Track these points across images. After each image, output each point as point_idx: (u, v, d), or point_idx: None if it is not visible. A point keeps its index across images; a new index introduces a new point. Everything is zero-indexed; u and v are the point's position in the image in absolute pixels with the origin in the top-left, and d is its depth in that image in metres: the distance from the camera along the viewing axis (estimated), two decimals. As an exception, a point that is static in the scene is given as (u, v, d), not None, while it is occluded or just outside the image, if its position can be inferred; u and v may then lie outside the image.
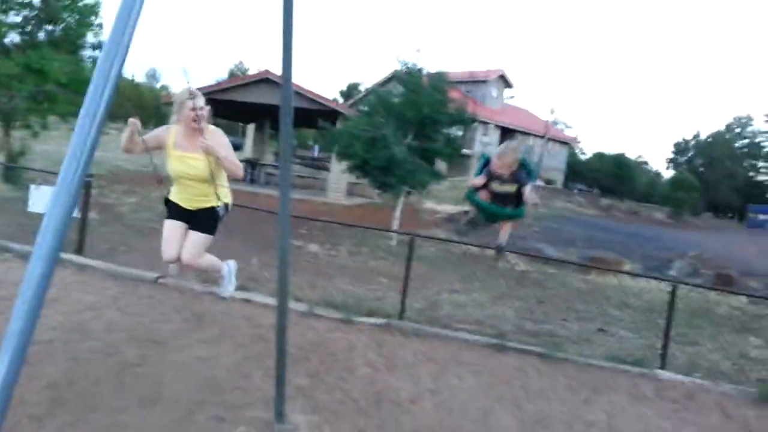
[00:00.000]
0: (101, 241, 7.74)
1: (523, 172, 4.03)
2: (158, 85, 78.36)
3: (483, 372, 4.96)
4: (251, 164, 21.57)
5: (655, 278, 10.09)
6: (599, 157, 58.77)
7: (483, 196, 4.16)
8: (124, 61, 1.52)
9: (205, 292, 6.11)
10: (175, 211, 3.74)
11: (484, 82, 43.49)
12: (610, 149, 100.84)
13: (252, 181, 20.38)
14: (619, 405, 4.62)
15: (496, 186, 4.03)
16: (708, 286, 11.42)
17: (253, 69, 71.52)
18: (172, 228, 3.72)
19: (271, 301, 6.01)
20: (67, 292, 5.46)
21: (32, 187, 7.14)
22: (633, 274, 11.33)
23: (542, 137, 46.93)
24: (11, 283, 5.52)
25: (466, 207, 20.92)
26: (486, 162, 4.12)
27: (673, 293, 5.92)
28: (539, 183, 39.48)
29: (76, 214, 6.90)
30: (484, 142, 41.19)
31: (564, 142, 52.67)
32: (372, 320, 5.88)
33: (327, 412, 3.77)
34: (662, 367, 5.68)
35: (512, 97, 51.92)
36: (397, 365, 4.83)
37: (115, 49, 1.52)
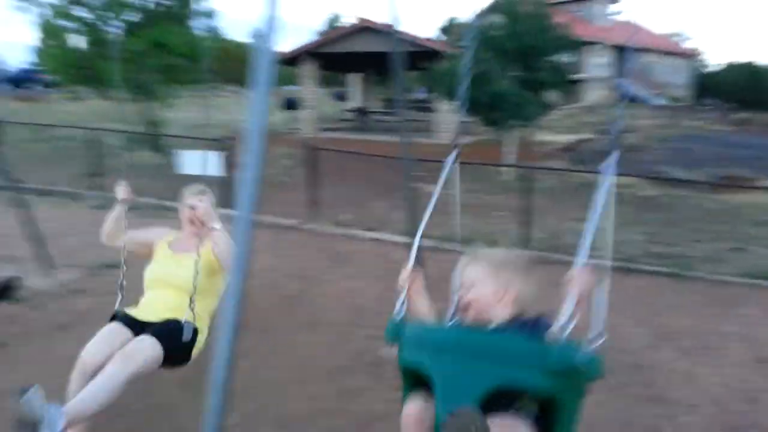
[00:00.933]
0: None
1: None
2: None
3: (611, 293, 5.08)
4: (360, 112, 22.18)
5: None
6: (729, 67, 53.14)
7: None
8: (275, 32, 1.70)
9: (340, 234, 6.72)
10: (122, 319, 2.73)
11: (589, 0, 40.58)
12: (740, 58, 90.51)
13: (362, 130, 21.00)
14: (753, 317, 4.59)
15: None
16: None
17: (348, 18, 71.90)
18: (112, 330, 2.65)
19: (398, 238, 6.50)
20: (226, 240, 6.29)
21: (178, 151, 8.04)
22: (768, 189, 10.54)
23: (660, 52, 43.22)
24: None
25: (583, 135, 20.15)
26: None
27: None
28: (663, 102, 36.69)
29: (223, 172, 7.74)
30: (597, 64, 38.79)
31: (687, 56, 48.23)
32: (496, 250, 6.16)
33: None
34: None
35: (620, 12, 48.08)
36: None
37: (269, 25, 1.72)
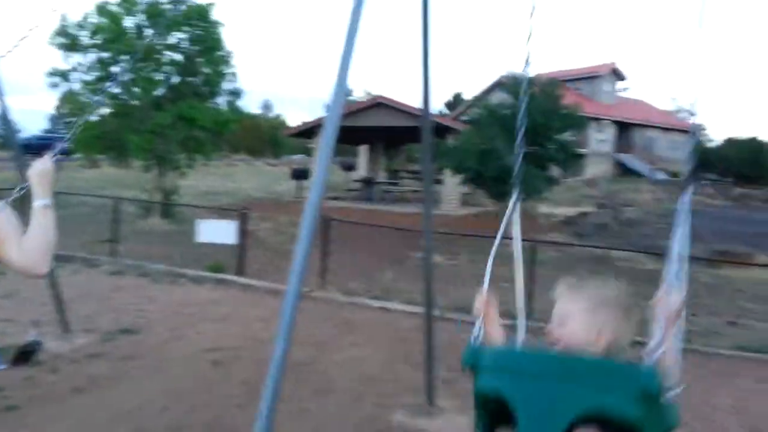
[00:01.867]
0: (252, 262, 8.87)
1: None
2: (272, 115, 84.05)
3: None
4: (367, 182, 22.77)
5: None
6: (730, 143, 54.29)
7: None
8: (343, 106, 2.03)
9: (347, 302, 6.92)
10: None
11: (595, 77, 42.12)
12: (742, 133, 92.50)
13: (368, 200, 21.49)
14: (746, 390, 4.73)
15: None
16: None
17: (357, 90, 74.50)
18: None
19: (406, 307, 6.71)
20: (237, 308, 6.51)
21: (198, 221, 8.42)
22: (765, 266, 10.74)
23: (662, 128, 44.34)
24: (193, 304, 6.68)
25: (584, 208, 20.53)
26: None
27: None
28: (663, 176, 37.34)
29: (235, 241, 8.07)
30: (600, 140, 39.84)
31: (687, 131, 49.41)
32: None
33: (469, 398, 4.31)
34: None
35: (627, 89, 49.81)
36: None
37: (338, 98, 2.04)
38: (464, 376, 4.79)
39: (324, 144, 1.93)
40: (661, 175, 38.45)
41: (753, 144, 51.71)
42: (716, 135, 68.77)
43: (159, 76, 13.63)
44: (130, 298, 6.73)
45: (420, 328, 4.23)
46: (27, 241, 1.83)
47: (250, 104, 76.80)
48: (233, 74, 13.82)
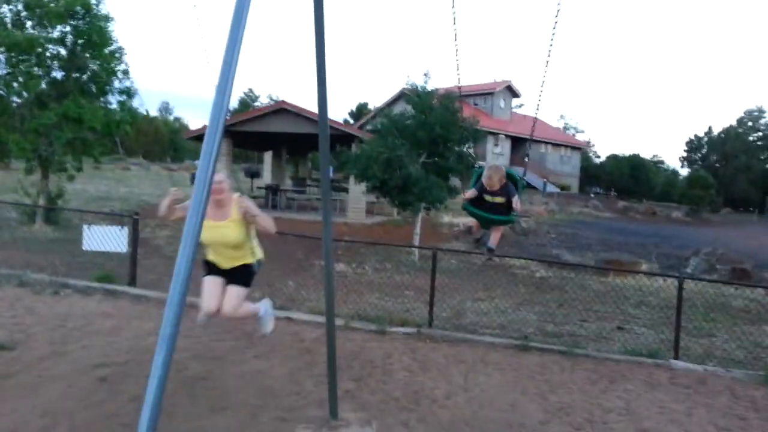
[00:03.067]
0: (147, 272, 8.36)
1: (511, 185, 4.58)
2: (171, 117, 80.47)
3: (508, 369, 5.45)
4: (271, 190, 22.29)
5: (664, 275, 10.46)
6: (614, 159, 58.85)
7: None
8: (228, 107, 1.93)
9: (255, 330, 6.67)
10: (213, 269, 4.02)
11: (491, 93, 44.19)
12: (625, 150, 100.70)
13: (273, 207, 21.05)
14: (635, 392, 5.07)
15: (488, 198, 4.59)
16: (714, 279, 11.77)
17: (263, 95, 73.14)
18: (211, 283, 3.98)
19: (310, 317, 6.59)
20: (129, 320, 6.07)
21: (85, 227, 7.78)
22: (648, 273, 11.68)
23: (552, 144, 47.10)
24: (78, 316, 6.16)
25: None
26: (478, 176, 4.68)
27: (680, 287, 6.36)
28: (554, 189, 39.72)
29: (126, 249, 7.55)
30: (496, 153, 41.71)
31: (576, 147, 52.97)
32: (403, 329, 6.42)
33: (373, 409, 4.29)
34: (676, 358, 6.10)
35: (521, 105, 52.60)
36: (431, 367, 5.34)
37: (221, 100, 1.91)
38: (368, 387, 4.76)
39: (206, 150, 1.82)
40: (552, 188, 40.83)
41: (634, 160, 56.39)
42: (601, 151, 74.05)
43: (39, 71, 12.53)
44: (6, 311, 6.10)
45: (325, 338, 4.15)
46: (264, 216, 3.87)
47: (149, 105, 73.11)
48: (125, 72, 12.96)
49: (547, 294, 9.96)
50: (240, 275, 3.98)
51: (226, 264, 3.99)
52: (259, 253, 4.11)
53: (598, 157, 65.40)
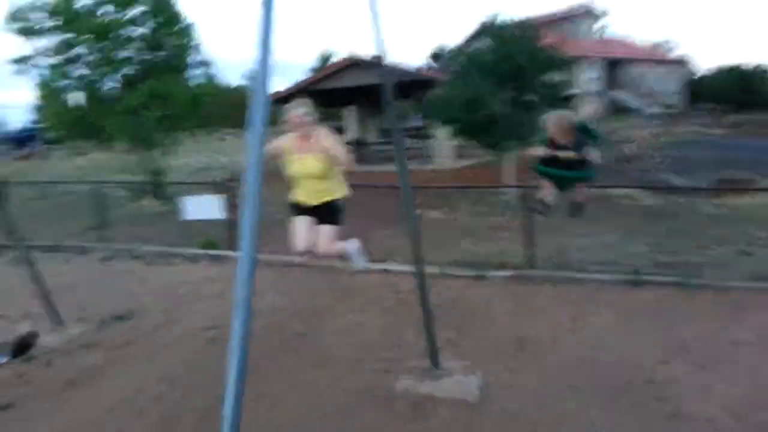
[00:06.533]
0: (245, 236, 8.63)
1: (583, 136, 4.04)
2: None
3: (620, 307, 5.08)
4: (357, 144, 22.33)
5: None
6: (719, 71, 53.52)
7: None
8: (270, 77, 1.81)
9: (346, 269, 6.72)
10: (302, 209, 4.06)
11: (574, 18, 41.34)
12: (728, 61, 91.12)
13: (359, 161, 21.13)
14: (766, 322, 4.56)
15: (560, 154, 4.06)
16: None
17: (342, 51, 72.94)
18: (302, 223, 4.05)
19: (406, 268, 6.50)
20: (232, 283, 6.30)
21: (184, 198, 8.12)
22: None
23: (649, 61, 43.59)
24: (187, 283, 6.48)
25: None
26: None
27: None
28: (656, 110, 36.90)
29: (223, 215, 7.81)
30: (589, 78, 39.19)
31: (676, 62, 48.74)
32: (502, 273, 6.17)
33: (476, 357, 4.15)
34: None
35: (608, 26, 48.83)
36: (534, 311, 5.09)
37: (263, 71, 1.82)
38: (470, 334, 4.59)
39: (256, 112, 1.71)
40: (654, 109, 37.97)
41: (740, 72, 50.98)
42: (703, 65, 67.35)
43: (124, 54, 13.11)
44: (123, 283, 6.53)
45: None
46: (340, 148, 3.80)
47: (232, 76, 75.39)
48: (197, 46, 13.31)
49: (655, 223, 9.24)
50: (328, 213, 4.02)
51: (313, 200, 4.00)
52: (345, 189, 4.12)
53: (696, 73, 59.78)
